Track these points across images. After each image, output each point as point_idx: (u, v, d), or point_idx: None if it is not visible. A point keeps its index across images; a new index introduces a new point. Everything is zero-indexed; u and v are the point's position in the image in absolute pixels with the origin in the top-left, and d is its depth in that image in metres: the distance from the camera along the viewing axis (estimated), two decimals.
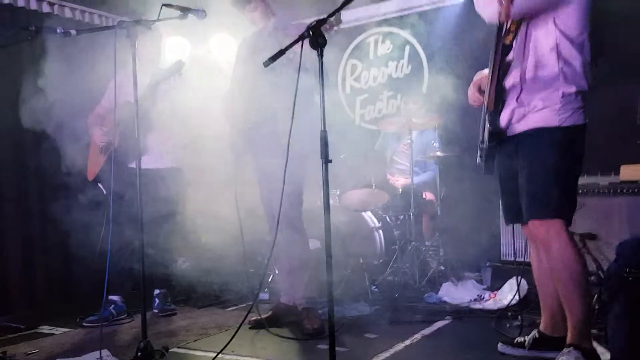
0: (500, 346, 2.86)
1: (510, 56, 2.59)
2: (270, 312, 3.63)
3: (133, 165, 3.81)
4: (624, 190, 3.62)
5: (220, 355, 2.87)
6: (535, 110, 2.51)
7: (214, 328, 3.64)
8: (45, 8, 4.69)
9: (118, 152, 3.81)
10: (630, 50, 4.41)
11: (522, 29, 2.54)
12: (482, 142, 2.70)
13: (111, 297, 3.96)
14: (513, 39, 2.56)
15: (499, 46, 2.56)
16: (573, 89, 2.46)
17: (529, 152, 2.54)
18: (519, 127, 2.57)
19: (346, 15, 5.80)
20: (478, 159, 2.77)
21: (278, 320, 3.59)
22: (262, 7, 3.50)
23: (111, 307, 3.93)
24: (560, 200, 2.50)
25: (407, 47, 6.10)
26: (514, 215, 2.75)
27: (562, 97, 2.45)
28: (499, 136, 2.61)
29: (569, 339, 2.52)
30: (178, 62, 3.55)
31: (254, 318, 3.50)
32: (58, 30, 2.92)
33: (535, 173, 2.52)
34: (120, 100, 3.91)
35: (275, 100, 3.15)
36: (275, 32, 3.43)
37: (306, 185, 3.61)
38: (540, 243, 2.63)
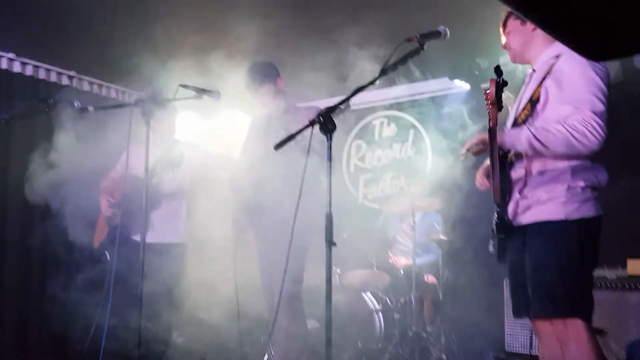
0: None
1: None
2: None
3: (136, 237, 3.84)
4: (633, 285, 3.58)
5: None
6: (540, 203, 2.44)
7: None
8: (65, 80, 4.86)
9: (122, 224, 3.83)
10: (637, 141, 4.53)
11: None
12: (493, 231, 2.66)
13: None
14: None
15: (494, 137, 2.44)
16: (581, 184, 2.38)
17: (536, 246, 2.45)
18: (525, 219, 2.49)
19: (354, 98, 5.96)
20: (491, 248, 2.68)
21: None
22: (274, 90, 3.64)
23: None
24: (572, 297, 2.37)
25: (412, 131, 6.24)
26: (523, 308, 2.61)
27: (568, 189, 2.38)
28: (506, 228, 2.51)
29: None
30: (179, 155, 3.65)
31: None
32: (75, 105, 3.02)
33: (543, 268, 2.42)
34: (131, 173, 4.03)
35: (282, 181, 3.21)
36: (286, 115, 3.54)
37: (306, 262, 3.61)
38: (558, 341, 2.46)
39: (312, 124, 2.32)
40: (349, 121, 6.42)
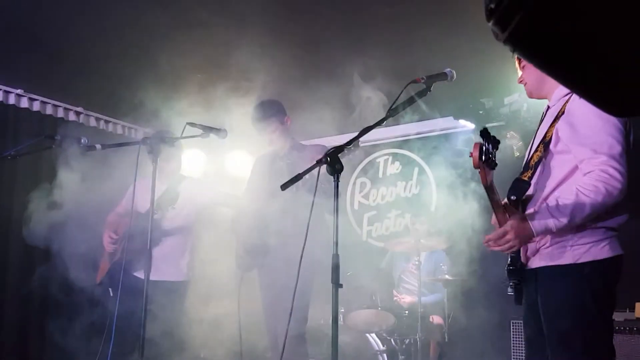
0: None
1: (530, 191, 2.43)
2: None
3: (138, 274, 3.80)
4: None
5: None
6: (545, 247, 2.36)
7: None
8: (72, 116, 4.89)
9: (125, 260, 3.81)
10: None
11: (540, 168, 2.42)
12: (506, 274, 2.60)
13: None
14: (532, 175, 2.43)
15: (490, 191, 2.29)
16: (591, 226, 2.27)
17: (546, 292, 2.37)
18: (535, 263, 2.41)
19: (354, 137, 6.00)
20: (509, 290, 2.55)
21: None
22: (281, 130, 3.66)
23: None
24: (589, 344, 2.27)
25: (416, 169, 6.24)
26: (537, 353, 2.49)
27: (575, 232, 2.27)
28: (517, 273, 2.45)
29: None
30: (174, 195, 3.67)
31: None
32: (82, 142, 3.03)
33: (555, 315, 2.33)
34: (135, 209, 4.03)
35: (286, 220, 3.19)
36: (291, 153, 3.54)
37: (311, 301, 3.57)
38: None
39: (319, 163, 2.30)
40: (354, 158, 6.43)
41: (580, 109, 2.26)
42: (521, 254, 2.47)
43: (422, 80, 2.48)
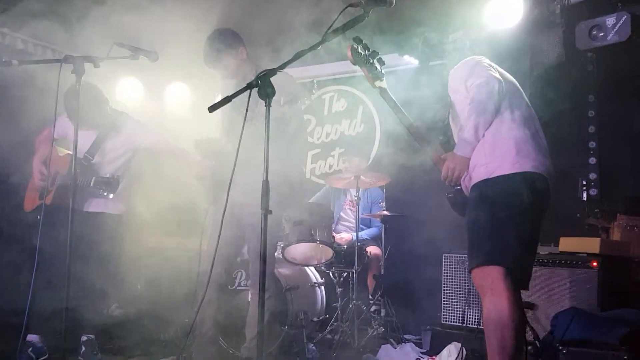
0: None
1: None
2: None
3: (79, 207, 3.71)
4: (563, 262, 3.69)
5: None
6: (472, 169, 2.67)
7: None
8: None
9: (59, 193, 3.74)
10: (573, 123, 4.63)
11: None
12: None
13: (29, 338, 3.68)
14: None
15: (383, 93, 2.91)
16: (503, 146, 2.59)
17: (468, 206, 2.68)
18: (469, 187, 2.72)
19: (303, 71, 5.89)
20: (449, 194, 2.93)
21: None
22: (234, 64, 3.47)
23: (29, 350, 3.64)
24: (486, 245, 2.51)
25: (361, 107, 6.21)
26: None
27: (491, 153, 2.60)
28: (455, 203, 2.81)
29: None
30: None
31: None
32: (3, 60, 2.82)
33: (468, 223, 2.63)
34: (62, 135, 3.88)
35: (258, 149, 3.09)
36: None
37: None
38: (480, 294, 2.59)
39: (250, 86, 2.22)
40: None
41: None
42: (462, 187, 2.78)
43: (360, 4, 2.41)
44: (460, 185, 2.78)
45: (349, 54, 2.63)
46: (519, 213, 2.51)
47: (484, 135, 2.62)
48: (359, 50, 2.66)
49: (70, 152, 3.31)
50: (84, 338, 3.92)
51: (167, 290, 4.80)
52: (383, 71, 2.82)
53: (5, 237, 3.91)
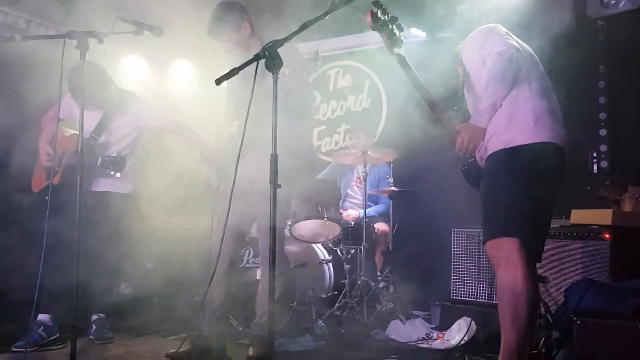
0: None
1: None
2: (189, 346, 3.39)
3: (87, 187, 3.72)
4: (575, 234, 3.66)
5: None
6: (488, 140, 2.61)
7: (150, 358, 3.46)
8: None
9: (66, 173, 3.74)
10: (583, 94, 4.56)
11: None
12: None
13: (40, 318, 3.71)
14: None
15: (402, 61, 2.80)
16: (521, 117, 2.54)
17: (484, 177, 2.64)
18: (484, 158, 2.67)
19: (307, 46, 5.81)
20: (463, 167, 2.89)
21: (199, 354, 3.37)
22: (237, 37, 3.41)
23: (40, 330, 3.67)
24: (502, 218, 2.48)
25: (367, 82, 6.14)
26: None
27: (508, 124, 2.54)
28: (469, 175, 2.76)
29: None
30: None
31: (172, 351, 3.31)
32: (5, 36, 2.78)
33: (483, 195, 2.60)
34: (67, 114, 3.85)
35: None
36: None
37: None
38: (494, 265, 2.57)
39: (257, 58, 2.18)
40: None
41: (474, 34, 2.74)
42: (477, 158, 2.73)
43: None
44: (474, 157, 2.73)
45: (369, 18, 2.53)
46: (536, 184, 2.47)
47: (501, 105, 2.56)
48: (379, 15, 2.56)
49: (76, 132, 3.29)
50: (94, 317, 3.95)
51: (177, 268, 4.81)
52: (402, 38, 2.71)
53: (13, 217, 3.90)
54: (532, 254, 2.49)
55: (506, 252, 2.44)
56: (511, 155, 2.50)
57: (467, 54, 2.75)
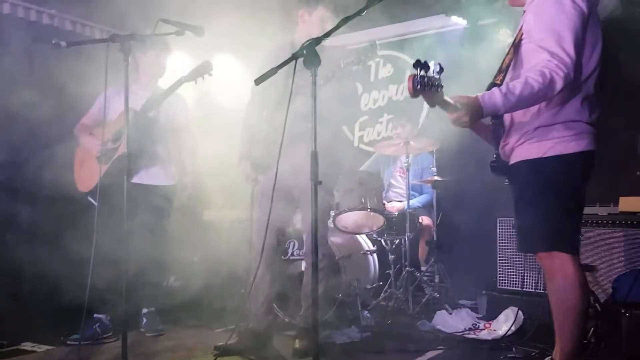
0: None
1: None
2: (237, 338, 3.47)
3: (135, 180, 3.79)
4: (623, 222, 3.57)
5: None
6: (518, 145, 2.47)
7: (200, 350, 3.54)
8: (45, 20, 4.67)
9: (117, 163, 3.72)
10: (630, 79, 4.39)
11: (510, 72, 2.50)
12: None
13: (96, 315, 3.86)
14: (503, 78, 2.48)
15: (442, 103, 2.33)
16: (558, 121, 2.37)
17: (516, 186, 2.52)
18: (512, 160, 2.53)
19: (347, 38, 5.79)
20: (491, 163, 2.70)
21: (246, 347, 3.44)
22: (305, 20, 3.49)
23: (96, 326, 3.82)
24: (547, 232, 2.40)
25: (408, 71, 6.07)
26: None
27: (536, 129, 2.39)
28: (498, 169, 2.59)
29: None
30: (205, 63, 3.51)
31: (220, 343, 3.37)
32: (53, 43, 2.87)
33: (521, 206, 2.47)
34: (112, 114, 3.92)
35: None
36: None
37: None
38: (548, 274, 2.51)
39: (294, 57, 2.20)
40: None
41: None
42: (501, 154, 2.58)
43: None
44: (497, 151, 2.60)
45: (410, 84, 2.18)
46: (575, 195, 2.41)
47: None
48: (423, 80, 2.17)
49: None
50: (144, 310, 4.06)
51: (223, 261, 4.90)
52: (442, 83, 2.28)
53: (62, 217, 4.02)
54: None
55: (561, 262, 2.39)
56: (548, 166, 2.38)
57: (526, 29, 2.43)
